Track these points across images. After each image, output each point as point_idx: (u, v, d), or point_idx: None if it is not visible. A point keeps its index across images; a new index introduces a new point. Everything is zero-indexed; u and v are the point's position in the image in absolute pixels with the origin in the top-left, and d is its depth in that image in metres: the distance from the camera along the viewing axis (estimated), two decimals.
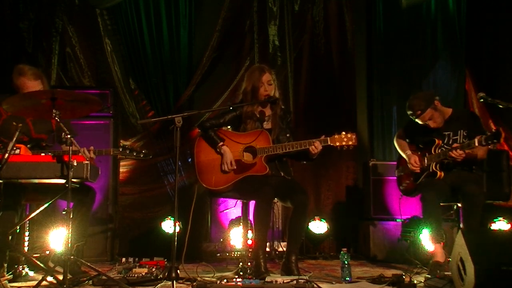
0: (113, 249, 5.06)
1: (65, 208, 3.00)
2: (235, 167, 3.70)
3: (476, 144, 3.72)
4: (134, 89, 6.04)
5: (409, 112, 4.12)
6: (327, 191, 6.05)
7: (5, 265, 3.43)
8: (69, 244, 3.01)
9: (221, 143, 3.73)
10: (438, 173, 4.02)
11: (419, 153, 4.17)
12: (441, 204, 4.00)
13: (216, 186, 3.74)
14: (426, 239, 4.39)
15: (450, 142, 4.07)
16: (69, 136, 3.02)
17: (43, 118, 3.58)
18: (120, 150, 3.87)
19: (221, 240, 5.20)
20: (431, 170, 4.05)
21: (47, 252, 4.02)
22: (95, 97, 3.22)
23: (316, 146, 3.63)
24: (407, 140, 4.32)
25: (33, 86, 3.65)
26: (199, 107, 5.81)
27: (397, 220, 5.07)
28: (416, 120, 4.09)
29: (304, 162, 3.88)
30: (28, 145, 3.58)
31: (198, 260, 4.59)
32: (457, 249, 3.00)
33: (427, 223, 3.92)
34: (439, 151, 4.02)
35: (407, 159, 4.19)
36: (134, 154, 3.87)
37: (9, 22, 5.80)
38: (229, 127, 3.89)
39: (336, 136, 3.65)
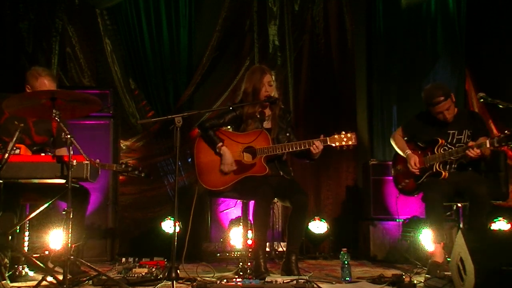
0: (113, 249, 5.06)
1: (65, 208, 3.00)
2: (235, 168, 3.70)
3: (488, 145, 3.73)
4: (134, 89, 6.04)
5: (427, 99, 4.02)
6: (327, 191, 6.05)
7: (7, 263, 3.43)
8: (69, 244, 3.01)
9: (221, 144, 3.73)
10: (443, 173, 3.98)
11: (419, 152, 4.12)
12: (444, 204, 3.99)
13: (216, 187, 3.74)
14: (426, 239, 4.39)
15: (454, 141, 4.04)
16: (69, 136, 3.02)
17: (43, 118, 3.58)
18: (123, 166, 3.94)
19: (221, 240, 5.20)
20: (434, 170, 4.01)
21: (47, 252, 4.02)
22: (95, 97, 3.22)
23: (317, 146, 3.63)
24: (406, 138, 4.26)
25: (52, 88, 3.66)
26: (199, 107, 5.81)
27: (397, 220, 5.07)
28: (431, 108, 4.01)
29: (307, 161, 3.88)
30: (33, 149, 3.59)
31: (198, 260, 4.58)
32: (457, 249, 3.00)
33: (430, 223, 3.89)
34: (442, 151, 3.98)
35: (407, 159, 4.13)
36: (136, 173, 3.92)
37: (9, 22, 5.79)
38: (229, 127, 3.90)
39: (336, 136, 3.65)
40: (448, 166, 4.03)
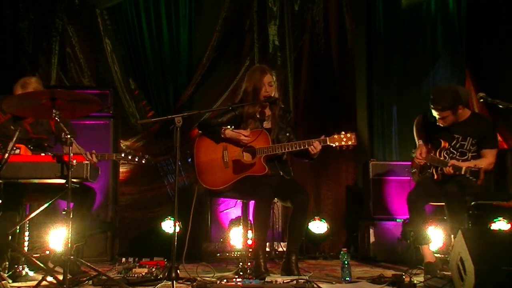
0: (113, 249, 5.06)
1: (65, 208, 3.00)
2: (251, 136, 3.68)
3: (462, 172, 3.71)
4: (134, 89, 6.04)
5: (431, 97, 4.01)
6: (327, 191, 6.05)
7: (6, 264, 3.43)
8: (69, 244, 3.01)
9: (223, 129, 3.72)
10: (435, 175, 3.99)
11: (429, 146, 4.09)
12: (431, 204, 4.00)
13: (216, 186, 3.74)
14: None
15: (457, 146, 4.01)
16: (69, 136, 3.03)
17: (43, 118, 3.58)
18: (123, 155, 3.87)
19: (221, 240, 5.20)
20: (431, 170, 4.02)
21: (47, 252, 4.03)
22: (95, 97, 3.22)
23: (315, 146, 3.63)
24: (422, 128, 4.23)
25: None
26: (199, 107, 5.81)
27: (397, 220, 5.07)
28: (431, 108, 4.00)
29: (306, 160, 3.88)
30: (30, 146, 3.58)
31: (198, 260, 4.58)
32: (457, 249, 3.00)
33: (412, 225, 3.92)
34: (445, 154, 3.97)
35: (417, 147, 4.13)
36: (136, 159, 3.87)
37: (9, 22, 5.80)
38: (229, 126, 3.89)
39: (336, 136, 3.64)
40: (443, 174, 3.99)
